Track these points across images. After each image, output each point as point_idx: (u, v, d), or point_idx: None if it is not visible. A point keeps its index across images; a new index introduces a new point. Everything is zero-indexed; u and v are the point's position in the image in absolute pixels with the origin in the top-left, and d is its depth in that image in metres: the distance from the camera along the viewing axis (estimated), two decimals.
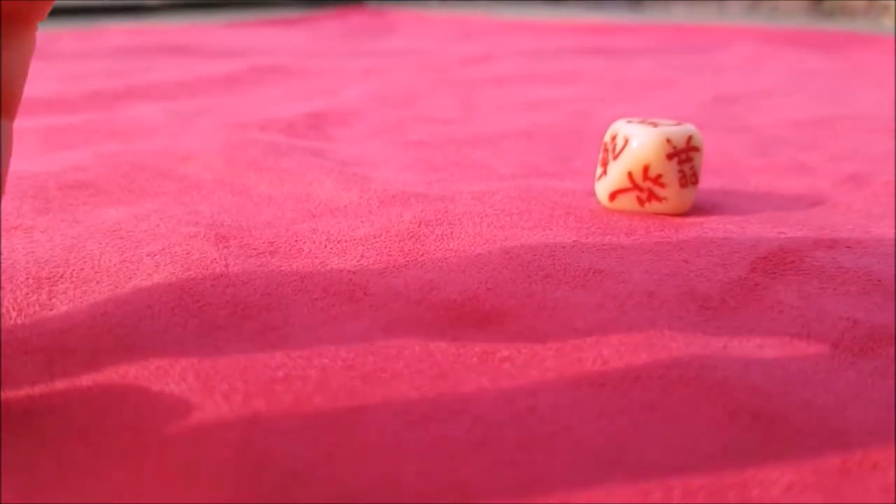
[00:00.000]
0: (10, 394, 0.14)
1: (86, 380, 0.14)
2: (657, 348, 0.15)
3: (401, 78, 0.51)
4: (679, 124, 0.23)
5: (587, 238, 0.20)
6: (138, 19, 0.96)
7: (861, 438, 0.12)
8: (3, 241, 0.21)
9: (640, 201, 0.23)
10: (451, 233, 0.21)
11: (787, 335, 0.16)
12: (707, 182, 0.27)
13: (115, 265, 0.19)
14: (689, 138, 0.22)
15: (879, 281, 0.18)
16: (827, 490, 0.11)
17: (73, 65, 0.55)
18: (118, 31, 0.79)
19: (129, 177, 0.26)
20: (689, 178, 0.23)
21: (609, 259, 0.19)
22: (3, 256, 0.19)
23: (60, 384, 0.14)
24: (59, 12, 0.99)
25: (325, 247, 0.20)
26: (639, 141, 0.22)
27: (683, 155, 0.22)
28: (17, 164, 0.28)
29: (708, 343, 0.15)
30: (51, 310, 0.17)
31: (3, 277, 0.18)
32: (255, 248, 0.20)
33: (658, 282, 0.18)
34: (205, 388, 0.14)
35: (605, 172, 0.23)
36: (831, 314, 0.16)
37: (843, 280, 0.18)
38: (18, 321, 0.16)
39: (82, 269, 0.19)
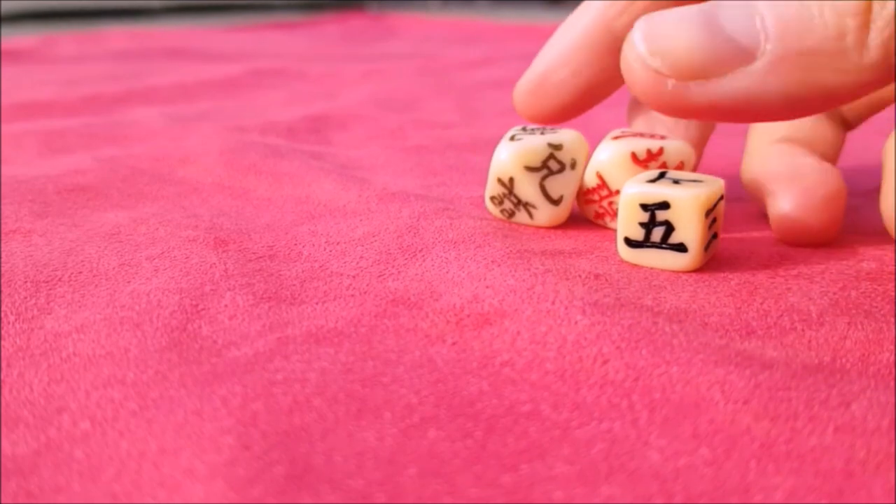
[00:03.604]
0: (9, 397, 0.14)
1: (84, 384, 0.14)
2: (659, 345, 0.14)
3: (401, 82, 0.51)
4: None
5: (585, 244, 0.20)
6: (138, 23, 0.96)
7: (864, 439, 0.12)
8: (1, 244, 0.21)
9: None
10: (451, 224, 0.21)
11: (788, 336, 0.15)
12: None
13: (113, 269, 0.19)
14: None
15: (876, 283, 0.18)
16: (830, 493, 0.11)
17: (73, 68, 0.55)
18: (117, 34, 0.79)
19: (129, 180, 0.26)
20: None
21: (608, 265, 0.19)
22: (1, 260, 0.19)
23: (59, 388, 0.14)
24: (59, 15, 0.99)
25: (325, 249, 0.20)
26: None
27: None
28: (16, 168, 0.28)
29: (710, 341, 0.15)
30: (49, 314, 0.17)
31: (1, 281, 0.18)
32: (254, 252, 0.20)
33: (661, 284, 0.18)
34: (203, 391, 0.13)
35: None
36: (832, 315, 0.16)
37: (843, 283, 0.18)
38: (17, 325, 0.16)
39: (80, 272, 0.19)
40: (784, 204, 0.20)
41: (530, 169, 0.20)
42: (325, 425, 0.13)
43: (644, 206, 0.18)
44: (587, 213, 0.22)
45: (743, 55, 0.14)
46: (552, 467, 0.12)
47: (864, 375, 0.14)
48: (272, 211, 0.24)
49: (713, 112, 0.15)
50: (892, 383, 0.14)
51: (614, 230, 0.21)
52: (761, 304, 0.17)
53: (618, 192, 0.20)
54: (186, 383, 0.14)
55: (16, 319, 0.16)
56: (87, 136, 0.33)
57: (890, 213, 0.19)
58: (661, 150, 0.20)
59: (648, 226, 0.18)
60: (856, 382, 0.14)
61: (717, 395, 0.13)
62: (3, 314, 0.17)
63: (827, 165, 0.21)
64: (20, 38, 0.74)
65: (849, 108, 0.23)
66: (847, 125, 0.24)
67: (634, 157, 0.20)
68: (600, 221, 0.22)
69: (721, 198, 0.19)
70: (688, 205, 0.18)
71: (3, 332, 0.16)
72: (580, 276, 0.18)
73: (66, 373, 0.14)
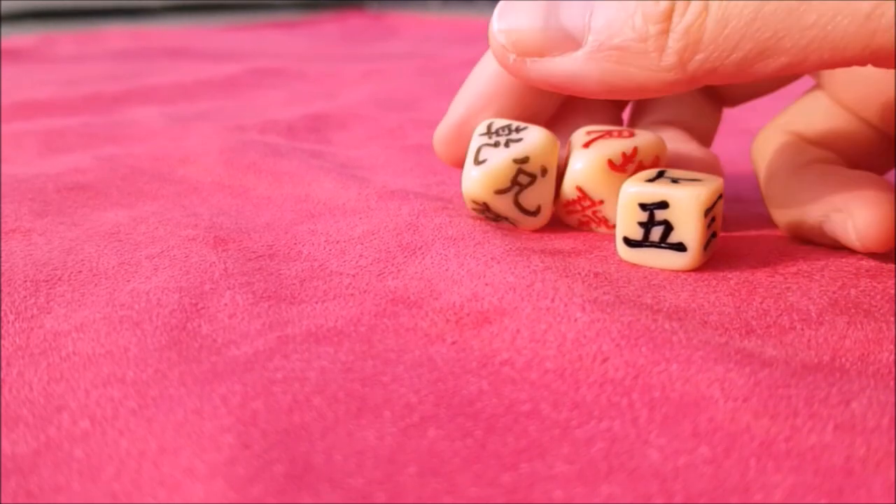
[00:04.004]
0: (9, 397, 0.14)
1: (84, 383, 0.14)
2: (658, 343, 0.14)
3: (400, 81, 0.51)
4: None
5: (584, 243, 0.20)
6: (137, 22, 0.96)
7: (864, 437, 0.12)
8: (1, 244, 0.21)
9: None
10: (450, 222, 0.21)
11: (787, 334, 0.15)
12: None
13: (113, 268, 0.19)
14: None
15: (876, 282, 0.18)
16: (830, 491, 0.11)
17: (72, 68, 0.55)
18: (117, 33, 0.79)
19: (128, 180, 0.26)
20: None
21: (607, 264, 0.19)
22: (1, 259, 0.19)
23: (58, 387, 0.14)
24: (58, 15, 0.99)
25: (324, 248, 0.20)
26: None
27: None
28: (16, 167, 0.28)
29: (710, 339, 0.15)
30: (49, 313, 0.17)
31: (1, 280, 0.18)
32: (254, 251, 0.20)
33: (660, 283, 0.18)
34: (203, 390, 0.13)
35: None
36: (831, 314, 0.16)
37: (843, 281, 0.18)
38: (17, 324, 0.16)
39: (80, 271, 0.19)
40: None
41: (500, 192, 0.20)
42: (324, 424, 0.13)
43: (643, 206, 0.18)
44: (570, 221, 0.21)
45: (569, 42, 0.17)
46: (552, 466, 0.12)
47: (864, 374, 0.14)
48: (272, 210, 0.24)
49: (546, 85, 0.18)
50: (892, 382, 0.14)
51: (602, 233, 0.21)
52: (761, 302, 0.17)
53: (601, 201, 0.20)
54: (186, 382, 0.14)
55: (15, 319, 0.16)
56: (86, 135, 0.33)
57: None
58: (635, 151, 0.20)
59: (647, 225, 0.18)
60: (855, 381, 0.14)
61: (716, 392, 0.13)
62: (2, 313, 0.17)
63: (709, 152, 0.22)
64: (20, 37, 0.74)
65: (727, 88, 0.24)
66: (724, 102, 0.24)
67: (611, 163, 0.20)
68: (585, 228, 0.21)
69: (720, 196, 0.19)
70: (687, 204, 0.18)
71: (2, 331, 0.16)
72: (580, 274, 0.18)
73: (65, 372, 0.14)
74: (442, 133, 0.22)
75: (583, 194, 0.20)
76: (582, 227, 0.21)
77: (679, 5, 0.15)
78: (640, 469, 0.12)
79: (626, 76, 0.16)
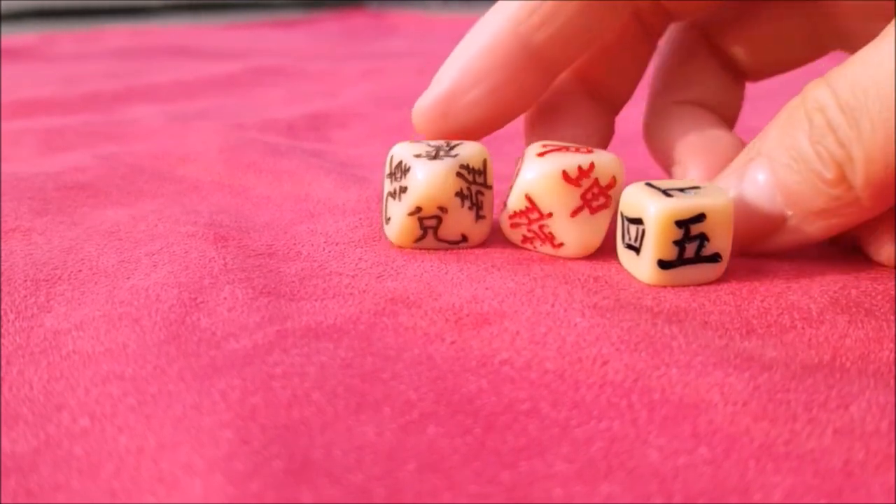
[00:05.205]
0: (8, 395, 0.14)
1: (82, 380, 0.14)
2: (658, 347, 0.14)
3: (401, 80, 0.51)
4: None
5: None
6: (137, 21, 0.96)
7: (863, 440, 0.12)
8: (1, 243, 0.21)
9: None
10: None
11: (788, 334, 0.16)
12: None
13: (112, 266, 0.19)
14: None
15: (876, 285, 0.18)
16: (829, 492, 0.11)
17: (72, 66, 0.55)
18: (117, 32, 0.79)
19: (128, 178, 0.26)
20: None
21: (608, 266, 0.19)
22: (1, 258, 0.19)
23: (58, 385, 0.14)
24: (58, 13, 0.99)
25: (324, 249, 0.20)
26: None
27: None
28: (16, 166, 0.28)
29: (710, 342, 0.15)
30: (49, 311, 0.17)
31: (1, 279, 0.18)
32: (253, 250, 0.20)
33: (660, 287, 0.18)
34: (202, 385, 0.13)
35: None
36: (832, 313, 0.16)
37: (843, 281, 0.18)
38: (17, 323, 0.16)
39: (80, 270, 0.19)
40: (693, 175, 0.20)
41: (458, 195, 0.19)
42: (324, 419, 0.13)
43: (679, 223, 0.17)
44: (513, 236, 0.20)
45: (777, 221, 0.18)
46: (551, 465, 0.12)
47: (864, 374, 0.14)
48: (271, 209, 0.24)
49: (783, 251, 0.19)
50: (892, 382, 0.14)
51: (545, 254, 0.19)
52: (761, 302, 0.17)
53: (550, 214, 0.19)
54: (185, 377, 0.14)
55: (16, 318, 0.16)
56: (86, 133, 0.33)
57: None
58: (591, 166, 0.18)
59: (682, 242, 0.17)
60: (855, 382, 0.14)
61: (716, 396, 0.13)
62: (3, 312, 0.17)
63: (735, 139, 0.21)
64: (20, 35, 0.74)
65: (750, 62, 0.22)
66: (746, 77, 0.23)
67: (566, 175, 0.18)
68: (528, 246, 0.20)
69: None
70: (723, 211, 0.17)
71: (3, 330, 0.16)
72: (579, 279, 0.18)
73: (65, 370, 0.14)
74: (425, 106, 0.21)
75: (532, 205, 0.19)
76: (525, 244, 0.20)
77: (848, 167, 0.16)
78: (640, 469, 0.12)
79: (843, 223, 0.17)
